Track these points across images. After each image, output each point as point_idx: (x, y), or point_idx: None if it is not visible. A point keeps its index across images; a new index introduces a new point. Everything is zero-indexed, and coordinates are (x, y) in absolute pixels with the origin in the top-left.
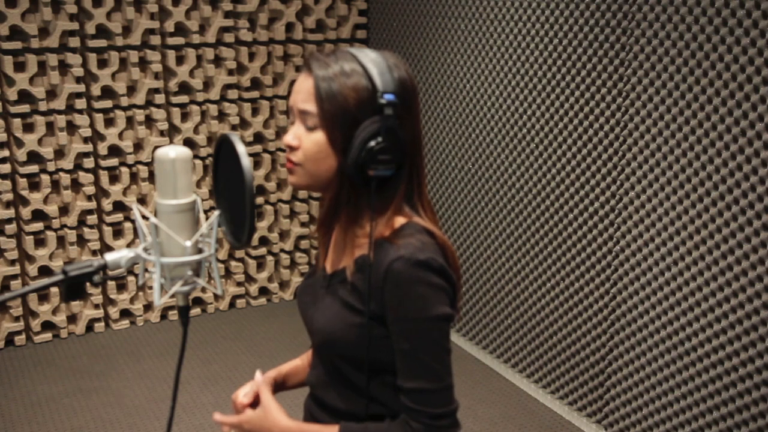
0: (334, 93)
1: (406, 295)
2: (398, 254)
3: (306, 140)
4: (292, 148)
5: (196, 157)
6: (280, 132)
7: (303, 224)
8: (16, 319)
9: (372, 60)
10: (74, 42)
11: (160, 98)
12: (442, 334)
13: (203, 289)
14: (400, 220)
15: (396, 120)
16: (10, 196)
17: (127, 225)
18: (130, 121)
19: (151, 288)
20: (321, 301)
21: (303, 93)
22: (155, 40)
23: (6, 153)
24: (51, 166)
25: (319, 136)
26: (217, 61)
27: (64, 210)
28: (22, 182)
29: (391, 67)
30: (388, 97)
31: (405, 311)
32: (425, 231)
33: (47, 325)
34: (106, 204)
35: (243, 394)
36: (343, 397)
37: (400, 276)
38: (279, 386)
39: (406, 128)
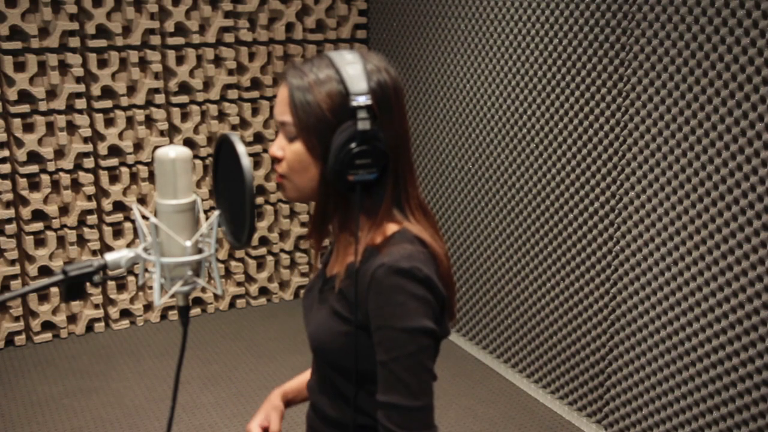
0: (308, 102)
1: (385, 304)
2: (381, 261)
3: (288, 151)
4: (278, 160)
5: (196, 157)
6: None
7: (303, 224)
8: (16, 319)
9: (348, 63)
10: (74, 42)
11: (160, 98)
12: (420, 348)
13: (203, 289)
14: (392, 228)
15: (374, 122)
16: (10, 196)
17: (127, 225)
18: (130, 121)
19: (151, 288)
20: (315, 305)
21: (281, 104)
22: (155, 40)
23: (6, 153)
24: (51, 166)
25: (299, 146)
26: (217, 61)
27: (64, 210)
28: (22, 182)
29: (368, 69)
30: (360, 99)
31: (383, 320)
32: (416, 239)
33: (47, 325)
34: (106, 204)
35: (256, 426)
36: (333, 404)
37: (381, 283)
38: (287, 404)
39: (386, 130)
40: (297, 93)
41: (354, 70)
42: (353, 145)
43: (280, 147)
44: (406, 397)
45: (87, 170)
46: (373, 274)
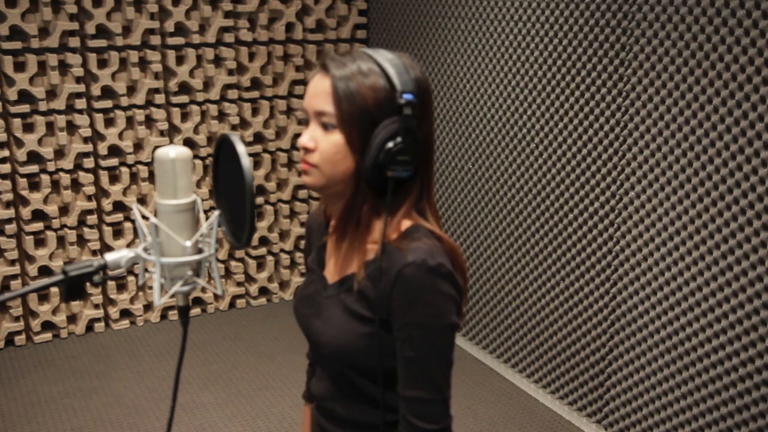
0: (352, 92)
1: (414, 302)
2: (408, 260)
3: (323, 142)
4: (308, 150)
5: (196, 157)
6: (280, 132)
7: (303, 224)
8: (16, 319)
9: (389, 60)
10: (74, 42)
11: (160, 98)
12: (447, 344)
13: (203, 289)
14: (405, 223)
15: (414, 120)
16: (10, 196)
17: (127, 225)
18: (130, 121)
19: (151, 288)
20: (325, 311)
21: (320, 94)
22: (155, 40)
23: (6, 153)
24: (51, 166)
25: (337, 137)
26: (217, 61)
27: (64, 210)
28: (22, 182)
29: (407, 66)
30: (408, 96)
31: (412, 318)
32: (432, 234)
33: (47, 325)
34: (106, 204)
35: None
36: (354, 407)
37: (410, 282)
38: None
39: (421, 129)
40: (341, 83)
41: (397, 67)
42: (398, 140)
43: (312, 138)
44: (431, 391)
45: (87, 170)
46: (400, 273)
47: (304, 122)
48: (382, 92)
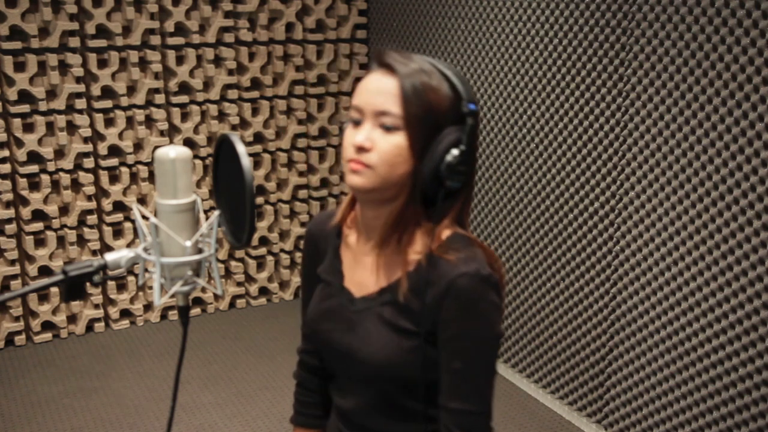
0: (419, 93)
1: (467, 313)
2: (461, 270)
3: (383, 142)
4: (363, 150)
5: (196, 157)
6: (280, 132)
7: (303, 224)
8: (16, 319)
9: (447, 67)
10: (74, 42)
11: (160, 98)
12: (494, 354)
13: (203, 289)
14: (446, 232)
15: (476, 131)
16: (10, 196)
17: (127, 225)
18: (130, 121)
19: (151, 288)
20: (359, 326)
21: (383, 93)
22: (155, 40)
23: (6, 153)
24: (51, 166)
25: (399, 139)
26: (217, 61)
27: (64, 210)
28: (22, 182)
29: (463, 76)
30: (472, 107)
31: (464, 329)
32: (473, 243)
33: (47, 325)
34: (106, 204)
35: None
36: (390, 422)
37: (464, 293)
38: None
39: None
40: (407, 82)
41: (458, 76)
42: (461, 149)
43: (368, 138)
44: (478, 404)
45: (87, 170)
46: (453, 283)
47: (354, 122)
48: (446, 97)
